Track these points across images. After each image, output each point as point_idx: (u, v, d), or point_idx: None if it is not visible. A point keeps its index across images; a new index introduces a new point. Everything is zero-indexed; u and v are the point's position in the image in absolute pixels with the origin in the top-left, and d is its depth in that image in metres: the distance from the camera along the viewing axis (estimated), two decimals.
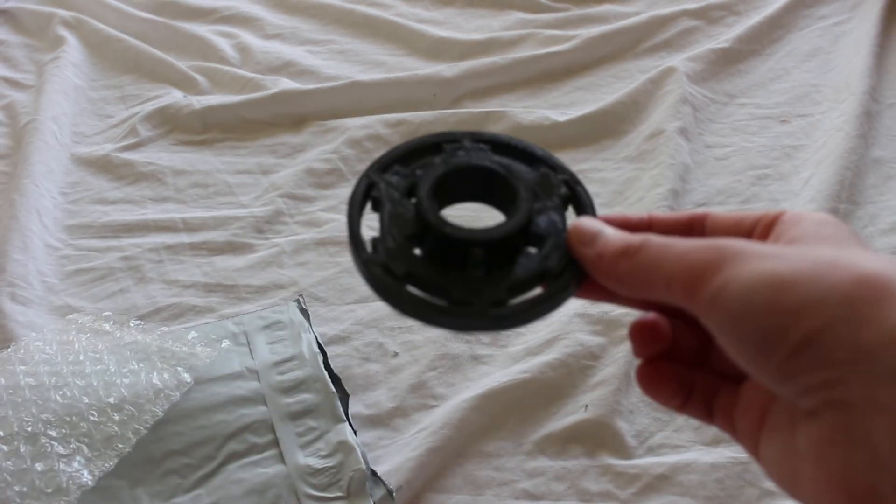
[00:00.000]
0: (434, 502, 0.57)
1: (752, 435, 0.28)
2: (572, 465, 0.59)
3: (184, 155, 0.89)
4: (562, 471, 0.58)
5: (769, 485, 0.56)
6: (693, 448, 0.59)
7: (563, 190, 0.32)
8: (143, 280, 0.74)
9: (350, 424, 0.59)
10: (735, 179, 0.82)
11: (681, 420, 0.61)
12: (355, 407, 0.63)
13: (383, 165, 0.32)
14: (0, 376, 0.58)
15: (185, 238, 0.78)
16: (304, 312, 0.68)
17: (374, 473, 0.56)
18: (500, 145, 0.33)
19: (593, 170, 0.84)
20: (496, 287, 0.29)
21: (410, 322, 0.69)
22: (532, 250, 0.30)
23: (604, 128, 0.89)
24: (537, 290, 0.30)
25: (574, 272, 0.30)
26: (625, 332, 0.65)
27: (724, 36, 0.99)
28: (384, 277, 0.29)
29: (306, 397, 0.60)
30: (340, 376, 0.63)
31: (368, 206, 0.32)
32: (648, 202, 0.77)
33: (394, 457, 0.59)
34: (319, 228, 0.79)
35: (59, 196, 0.84)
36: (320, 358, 0.63)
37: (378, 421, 0.62)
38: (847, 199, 0.77)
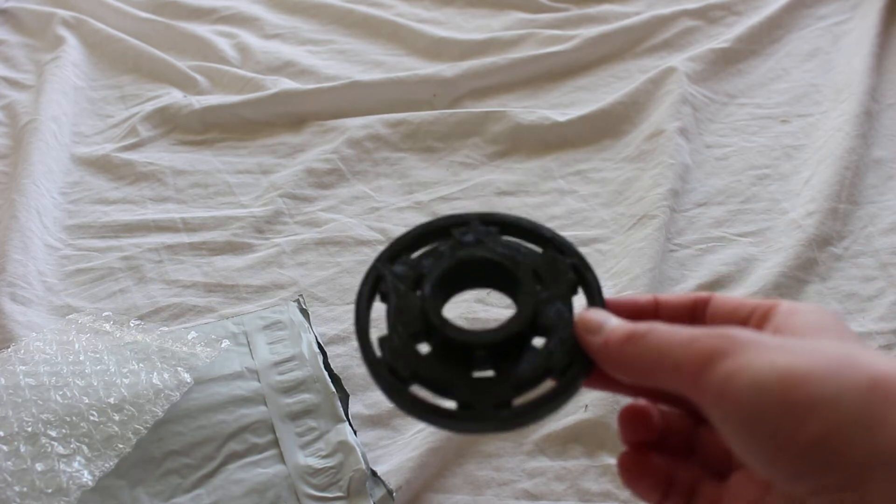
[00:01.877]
0: (434, 502, 0.57)
1: None
2: (572, 465, 0.59)
3: (184, 155, 0.89)
4: (562, 471, 0.58)
5: None
6: None
7: (571, 275, 0.32)
8: (143, 280, 0.74)
9: (350, 424, 0.59)
10: (735, 179, 0.82)
11: None
12: (355, 407, 0.63)
13: (392, 255, 0.33)
14: (0, 376, 0.58)
15: (185, 238, 0.79)
16: (304, 312, 0.68)
17: (373, 473, 0.56)
18: (508, 226, 0.34)
19: (593, 170, 0.84)
20: (502, 387, 0.29)
21: None
22: (538, 341, 0.30)
23: (604, 128, 0.89)
24: (545, 385, 0.29)
25: (581, 365, 0.29)
26: None
27: (724, 36, 0.99)
28: (390, 379, 0.30)
29: (306, 397, 0.60)
30: (340, 376, 0.63)
31: (377, 297, 0.32)
32: (648, 202, 0.77)
33: (394, 457, 0.59)
34: (319, 228, 0.79)
35: (59, 196, 0.84)
36: (320, 358, 0.63)
37: (378, 421, 0.62)
38: (847, 199, 0.77)
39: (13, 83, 1.00)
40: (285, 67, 1.01)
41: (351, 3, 1.12)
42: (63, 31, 1.06)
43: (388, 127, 0.90)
